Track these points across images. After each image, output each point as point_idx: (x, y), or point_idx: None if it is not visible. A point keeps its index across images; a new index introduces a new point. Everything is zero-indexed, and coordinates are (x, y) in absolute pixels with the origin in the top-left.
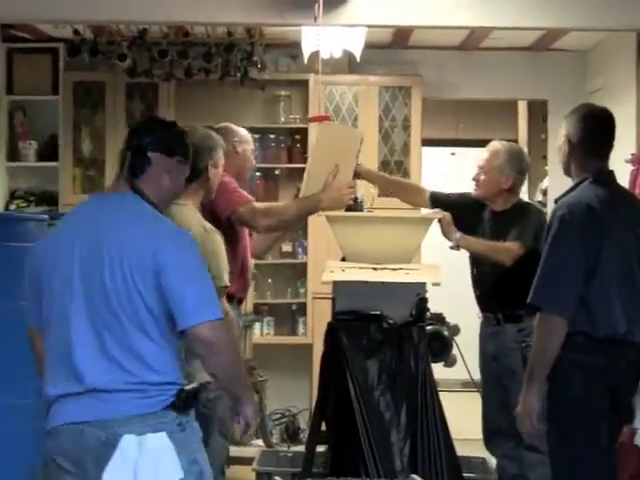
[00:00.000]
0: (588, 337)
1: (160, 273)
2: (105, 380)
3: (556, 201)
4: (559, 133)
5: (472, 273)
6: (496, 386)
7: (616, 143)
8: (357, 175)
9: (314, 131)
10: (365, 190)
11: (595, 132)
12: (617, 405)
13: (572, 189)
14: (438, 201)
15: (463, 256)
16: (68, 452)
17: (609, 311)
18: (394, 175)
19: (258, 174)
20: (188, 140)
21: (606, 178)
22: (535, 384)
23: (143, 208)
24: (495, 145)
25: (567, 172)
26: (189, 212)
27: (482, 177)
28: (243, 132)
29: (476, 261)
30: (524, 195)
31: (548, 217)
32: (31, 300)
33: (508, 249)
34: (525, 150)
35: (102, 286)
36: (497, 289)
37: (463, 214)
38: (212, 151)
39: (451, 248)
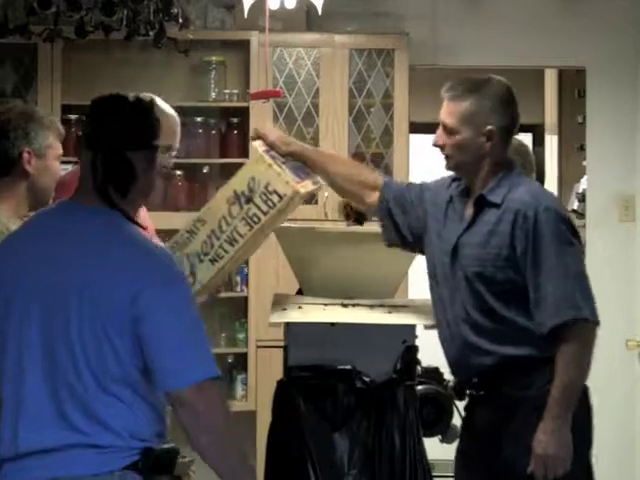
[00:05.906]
0: None
1: (139, 321)
2: (53, 439)
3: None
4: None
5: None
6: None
7: None
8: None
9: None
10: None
11: (516, 114)
12: None
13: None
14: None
15: None
16: None
17: None
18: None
19: (179, 173)
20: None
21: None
22: (570, 413)
23: (124, 231)
24: None
25: (468, 174)
26: None
27: None
28: None
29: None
30: None
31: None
32: None
33: None
34: (554, 139)
35: (66, 340)
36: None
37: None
38: (29, 135)
39: None
